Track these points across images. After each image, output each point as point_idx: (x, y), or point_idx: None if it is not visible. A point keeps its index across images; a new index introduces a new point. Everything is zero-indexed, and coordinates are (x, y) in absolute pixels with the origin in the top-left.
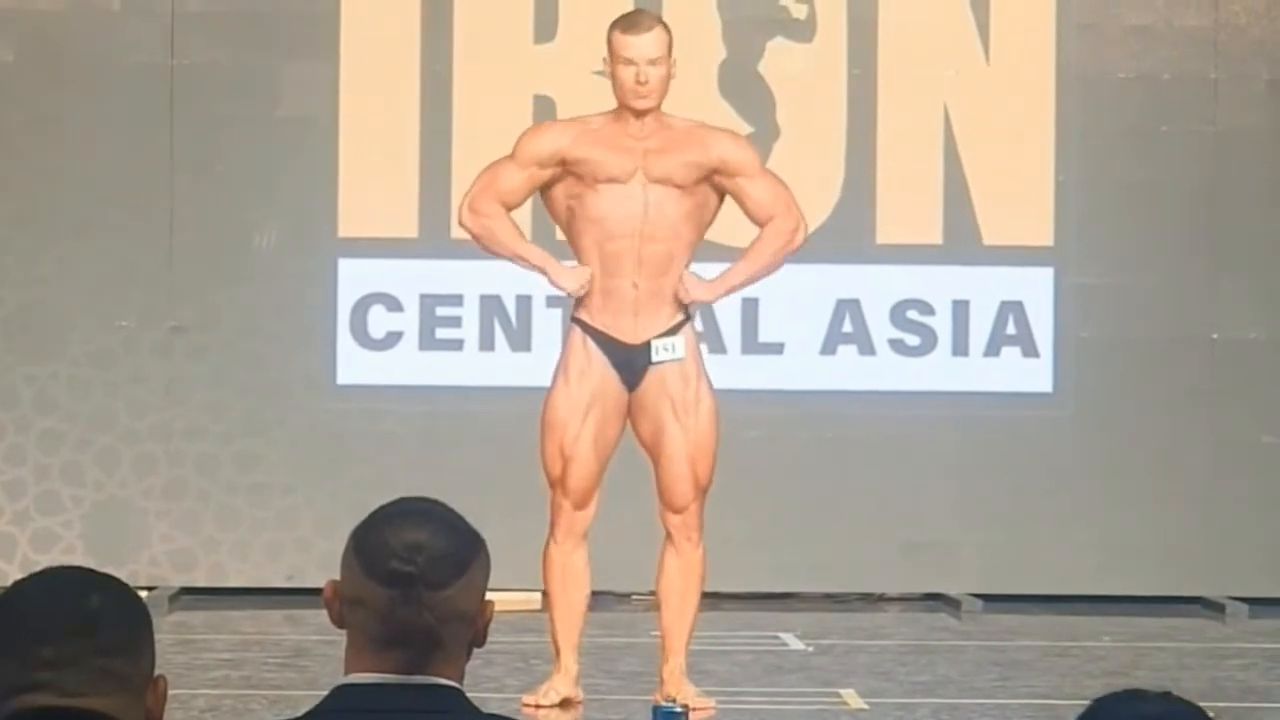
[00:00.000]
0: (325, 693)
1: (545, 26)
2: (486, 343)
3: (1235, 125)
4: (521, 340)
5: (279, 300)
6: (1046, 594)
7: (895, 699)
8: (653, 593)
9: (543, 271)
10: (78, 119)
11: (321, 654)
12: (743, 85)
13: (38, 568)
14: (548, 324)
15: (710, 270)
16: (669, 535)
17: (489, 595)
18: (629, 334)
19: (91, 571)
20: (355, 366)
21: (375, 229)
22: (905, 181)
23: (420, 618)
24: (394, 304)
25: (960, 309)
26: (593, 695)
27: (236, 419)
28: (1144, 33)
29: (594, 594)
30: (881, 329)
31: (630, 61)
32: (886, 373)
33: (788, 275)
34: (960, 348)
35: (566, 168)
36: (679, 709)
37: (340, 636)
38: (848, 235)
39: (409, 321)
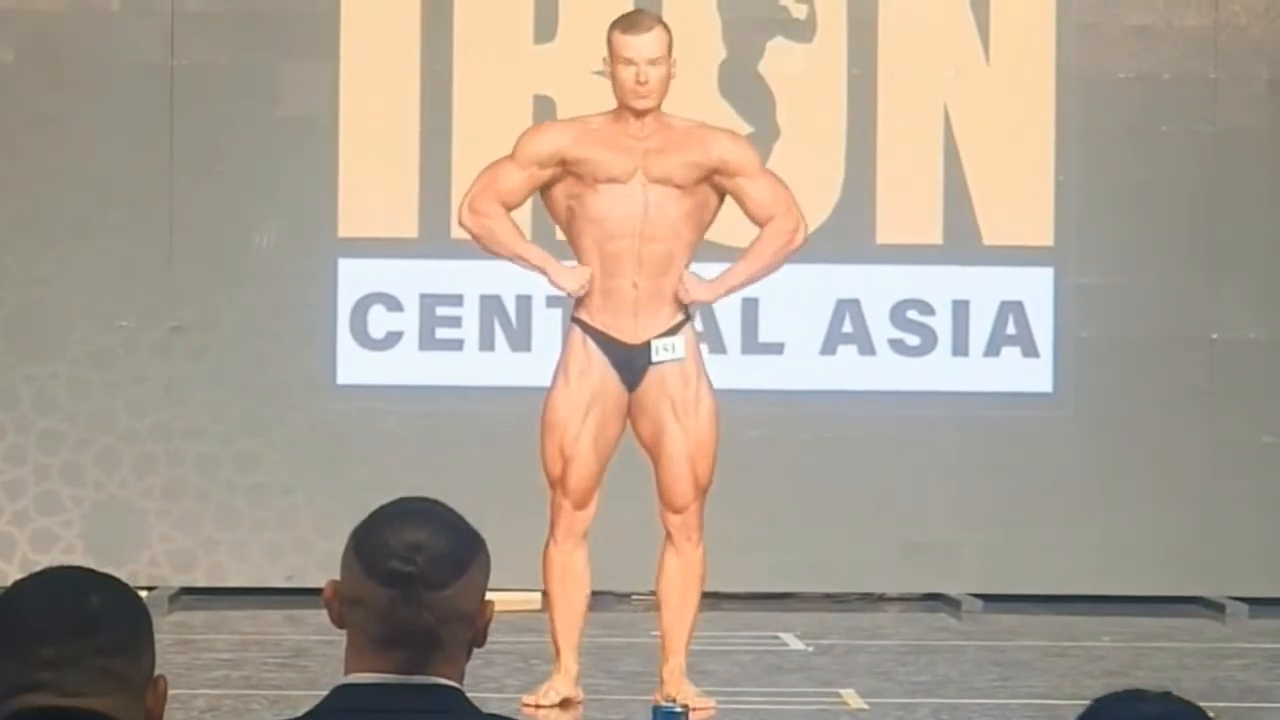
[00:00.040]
0: (325, 693)
1: (545, 26)
2: (486, 343)
3: (1235, 125)
4: (521, 340)
5: (279, 300)
6: (1046, 594)
7: (895, 699)
8: (653, 593)
9: (543, 272)
10: (78, 119)
11: (321, 654)
12: (743, 85)
13: (38, 568)
14: (548, 324)
15: (710, 270)
16: (669, 535)
17: (489, 595)
18: (629, 334)
19: (91, 571)
20: (355, 366)
21: (375, 229)
22: (905, 181)
23: (420, 618)
24: (394, 304)
25: (960, 309)
26: (593, 695)
27: (236, 419)
28: (1144, 33)
29: (594, 594)
30: (881, 329)
31: (630, 61)
32: (886, 373)
33: (788, 275)
34: (960, 348)
35: (566, 168)
36: (679, 709)
37: (340, 636)
38: (848, 235)
39: (409, 321)
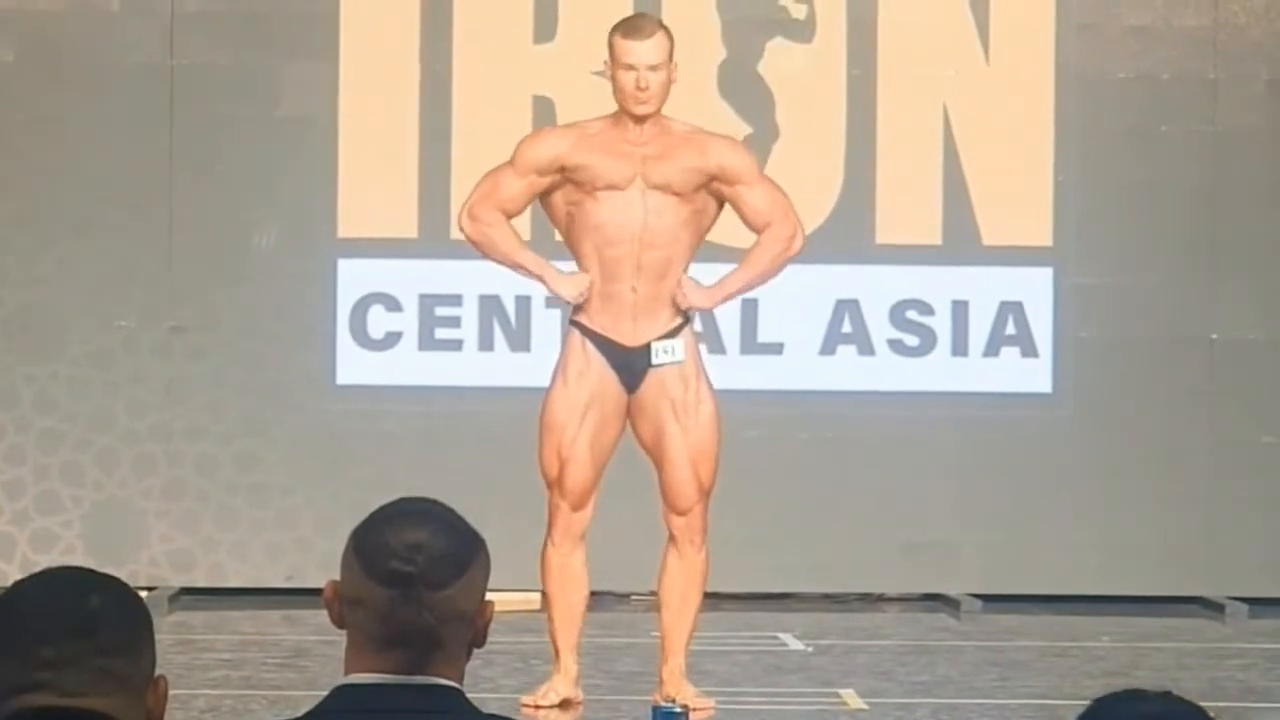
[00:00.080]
0: (325, 693)
1: (545, 27)
2: (486, 343)
3: (1235, 125)
4: (521, 341)
5: (279, 300)
6: (1046, 594)
7: (895, 699)
8: (653, 593)
9: (541, 279)
10: (78, 119)
11: (321, 654)
12: (742, 85)
13: (37, 568)
14: (547, 324)
15: (710, 270)
16: (672, 537)
17: (489, 595)
18: (628, 337)
19: (91, 571)
20: (355, 366)
21: (375, 229)
22: (905, 182)
23: (420, 618)
24: (393, 304)
25: (960, 309)
26: (592, 695)
27: (236, 419)
28: (1144, 33)
29: (594, 594)
30: (881, 329)
31: (631, 67)
32: (886, 373)
33: (787, 276)
34: (960, 348)
35: (565, 174)
36: (678, 709)
37: (340, 636)
38: (847, 235)
39: (408, 322)
